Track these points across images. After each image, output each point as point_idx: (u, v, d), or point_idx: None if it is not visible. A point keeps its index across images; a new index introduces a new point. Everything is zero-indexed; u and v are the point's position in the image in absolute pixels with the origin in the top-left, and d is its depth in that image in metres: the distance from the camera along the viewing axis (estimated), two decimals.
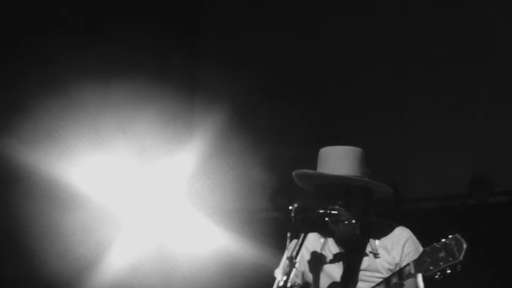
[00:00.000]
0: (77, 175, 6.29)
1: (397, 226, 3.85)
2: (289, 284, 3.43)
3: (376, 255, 3.75)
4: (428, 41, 7.03)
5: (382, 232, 3.82)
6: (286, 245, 3.57)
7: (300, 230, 3.56)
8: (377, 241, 3.80)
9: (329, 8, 7.44)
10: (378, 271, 3.72)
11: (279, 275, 3.54)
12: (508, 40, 6.65)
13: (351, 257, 3.80)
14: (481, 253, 6.16)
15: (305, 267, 3.92)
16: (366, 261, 3.77)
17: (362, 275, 3.76)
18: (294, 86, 7.37)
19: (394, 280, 3.56)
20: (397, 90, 7.08)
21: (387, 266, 3.71)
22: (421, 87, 7.00)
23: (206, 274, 6.77)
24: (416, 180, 6.68)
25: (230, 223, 6.87)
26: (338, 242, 3.86)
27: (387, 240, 3.80)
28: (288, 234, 3.53)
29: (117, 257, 6.59)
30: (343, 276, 3.76)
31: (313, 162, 4.00)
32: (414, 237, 3.80)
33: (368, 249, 3.78)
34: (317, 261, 3.88)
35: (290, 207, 3.55)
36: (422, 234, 3.76)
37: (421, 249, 3.67)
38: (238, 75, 6.96)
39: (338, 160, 3.79)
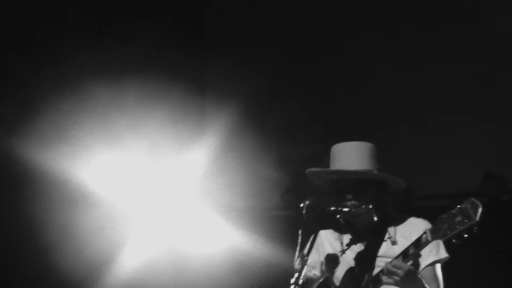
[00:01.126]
0: (89, 174, 6.30)
1: (414, 217, 3.90)
2: (300, 281, 3.46)
3: (394, 242, 3.78)
4: (439, 38, 7.02)
5: (400, 222, 3.87)
6: (298, 242, 3.58)
7: (311, 227, 3.59)
8: (396, 230, 3.83)
9: (338, 6, 7.43)
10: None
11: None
12: None
13: (369, 243, 3.84)
14: (494, 250, 6.19)
15: (324, 257, 3.96)
16: (383, 248, 3.80)
17: (379, 261, 3.78)
18: (304, 83, 7.37)
19: (412, 250, 3.58)
20: (408, 87, 7.07)
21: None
22: (433, 84, 6.99)
23: (218, 272, 6.78)
24: (428, 177, 6.67)
25: (241, 221, 6.88)
26: (356, 229, 3.89)
27: (405, 228, 3.84)
28: (300, 232, 3.56)
29: (130, 256, 6.60)
30: (360, 261, 3.80)
31: (324, 159, 4.03)
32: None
33: (386, 236, 3.82)
34: (335, 249, 3.93)
35: (301, 205, 3.58)
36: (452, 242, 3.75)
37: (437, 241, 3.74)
38: (247, 74, 6.96)
39: (348, 155, 3.85)
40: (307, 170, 3.96)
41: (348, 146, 3.91)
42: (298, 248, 3.51)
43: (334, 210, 3.68)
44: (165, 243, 6.90)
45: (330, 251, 3.93)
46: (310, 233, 3.59)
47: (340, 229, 3.92)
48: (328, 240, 3.97)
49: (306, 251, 3.54)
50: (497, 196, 6.55)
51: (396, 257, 3.62)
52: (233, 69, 7.22)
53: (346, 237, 3.93)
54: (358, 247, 3.87)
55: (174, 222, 6.91)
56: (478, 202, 3.32)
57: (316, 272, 4.00)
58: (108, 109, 6.41)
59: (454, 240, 3.38)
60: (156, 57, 6.88)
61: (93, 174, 6.31)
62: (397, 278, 3.52)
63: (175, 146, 6.72)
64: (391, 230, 3.84)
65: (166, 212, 6.87)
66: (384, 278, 3.58)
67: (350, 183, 3.80)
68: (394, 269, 3.54)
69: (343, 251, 3.89)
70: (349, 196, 3.77)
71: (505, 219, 6.38)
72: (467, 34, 6.89)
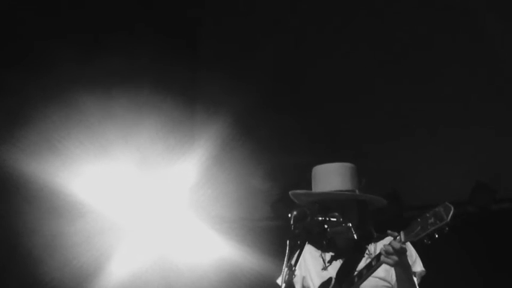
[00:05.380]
0: (79, 185, 6.29)
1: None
2: None
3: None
4: (431, 50, 7.06)
5: (380, 240, 3.89)
6: (286, 253, 3.58)
7: (299, 237, 3.59)
8: (376, 247, 3.86)
9: (330, 19, 7.46)
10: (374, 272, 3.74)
11: (280, 282, 3.58)
12: (507, 47, 6.69)
13: (348, 258, 3.86)
14: (484, 260, 6.20)
15: (306, 272, 3.97)
16: (362, 262, 3.82)
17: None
18: (295, 95, 7.39)
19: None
20: (399, 99, 7.10)
21: (384, 267, 3.72)
22: (424, 96, 7.02)
23: (208, 283, 6.77)
24: (418, 187, 6.69)
25: (232, 232, 6.88)
26: (337, 247, 3.91)
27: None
28: (288, 242, 3.56)
29: (119, 267, 6.59)
30: (338, 273, 3.82)
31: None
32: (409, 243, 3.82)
33: (366, 252, 3.84)
34: (317, 265, 3.94)
35: (289, 215, 3.59)
36: (423, 242, 3.77)
37: (415, 253, 3.80)
38: (238, 85, 6.98)
39: (329, 177, 3.94)
40: (290, 192, 4.03)
41: (329, 168, 3.98)
42: (285, 259, 3.51)
43: (321, 220, 3.69)
44: (154, 254, 6.89)
45: (312, 267, 3.97)
46: (298, 243, 3.59)
47: (322, 247, 3.96)
48: (311, 256, 3.99)
49: (293, 261, 3.54)
50: (486, 206, 6.58)
51: (372, 260, 3.64)
52: (224, 80, 7.23)
53: (328, 255, 3.95)
54: (339, 263, 3.90)
55: (164, 233, 6.89)
56: (450, 205, 3.42)
57: (297, 287, 4.01)
58: (98, 120, 6.41)
59: (425, 241, 3.44)
60: (147, 68, 6.89)
61: (83, 184, 6.30)
62: (395, 258, 3.49)
63: (165, 157, 6.72)
64: (371, 247, 3.89)
65: (156, 223, 6.86)
66: (382, 257, 3.54)
67: (332, 203, 3.85)
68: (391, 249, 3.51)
69: (325, 268, 3.92)
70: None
71: (494, 229, 6.40)
72: (457, 45, 6.93)
